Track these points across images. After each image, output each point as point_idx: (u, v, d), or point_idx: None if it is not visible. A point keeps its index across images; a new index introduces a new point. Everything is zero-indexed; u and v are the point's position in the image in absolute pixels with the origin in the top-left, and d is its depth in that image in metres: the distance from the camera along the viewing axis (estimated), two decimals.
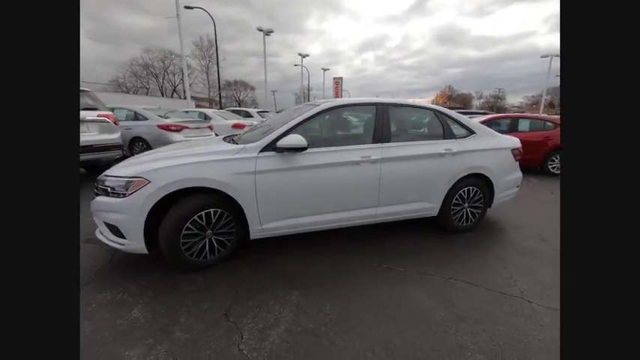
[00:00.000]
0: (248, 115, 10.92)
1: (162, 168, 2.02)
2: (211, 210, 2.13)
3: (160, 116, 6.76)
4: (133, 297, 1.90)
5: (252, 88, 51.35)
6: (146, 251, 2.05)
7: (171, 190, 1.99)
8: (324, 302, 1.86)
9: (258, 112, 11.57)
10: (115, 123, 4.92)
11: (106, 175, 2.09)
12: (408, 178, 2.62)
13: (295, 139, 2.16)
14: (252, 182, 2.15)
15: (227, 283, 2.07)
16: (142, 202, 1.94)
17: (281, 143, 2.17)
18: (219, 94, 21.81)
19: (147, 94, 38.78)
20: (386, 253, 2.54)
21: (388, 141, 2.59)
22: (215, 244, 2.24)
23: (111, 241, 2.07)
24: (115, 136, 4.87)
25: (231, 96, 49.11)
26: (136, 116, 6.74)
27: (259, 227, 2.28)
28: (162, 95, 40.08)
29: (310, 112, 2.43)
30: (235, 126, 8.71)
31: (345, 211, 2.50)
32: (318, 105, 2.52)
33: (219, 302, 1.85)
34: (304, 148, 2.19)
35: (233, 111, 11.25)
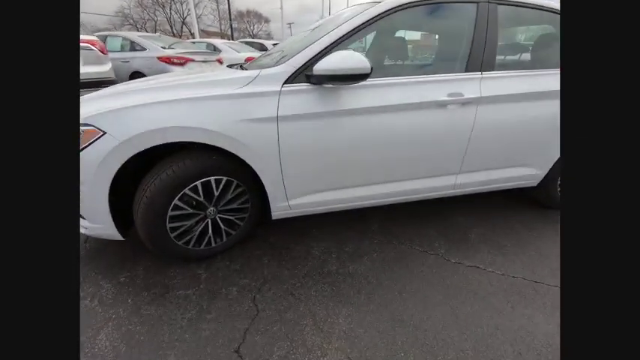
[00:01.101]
0: (263, 48, 9.47)
1: (124, 110, 1.20)
2: (211, 178, 1.36)
3: (163, 47, 5.69)
4: (105, 307, 1.28)
5: (267, 21, 46.57)
6: (120, 237, 1.38)
7: (142, 148, 1.20)
8: (392, 335, 1.17)
9: (274, 44, 10.01)
10: (102, 52, 3.99)
11: None
12: (514, 131, 1.67)
13: (349, 59, 1.22)
14: (273, 135, 1.31)
15: (241, 284, 1.41)
16: (97, 166, 1.18)
17: (322, 67, 1.24)
18: (231, 25, 19.48)
19: (155, 28, 36.05)
20: (457, 242, 1.76)
21: (492, 68, 1.58)
22: (222, 225, 1.52)
23: None
24: (104, 69, 4.00)
25: (244, 29, 44.95)
26: (133, 46, 5.70)
27: (284, 204, 1.51)
28: (172, 28, 37.12)
29: (366, 15, 1.42)
30: (249, 60, 7.46)
31: (412, 179, 1.66)
32: (379, 2, 1.48)
33: (229, 324, 1.20)
34: (364, 75, 1.26)
35: (246, 43, 9.78)
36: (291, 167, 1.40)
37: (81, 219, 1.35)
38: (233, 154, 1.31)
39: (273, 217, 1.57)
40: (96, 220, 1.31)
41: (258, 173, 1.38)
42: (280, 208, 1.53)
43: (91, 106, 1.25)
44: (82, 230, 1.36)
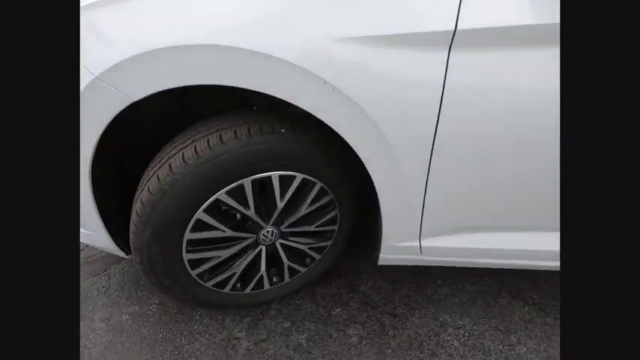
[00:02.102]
0: None
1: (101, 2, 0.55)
2: (273, 175, 0.65)
3: None
4: None
5: None
6: (121, 253, 0.81)
7: (140, 96, 0.55)
8: None
9: None
10: None
11: None
12: None
13: None
14: (428, 82, 0.51)
15: None
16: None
17: None
18: None
19: None
20: None
21: None
22: (284, 258, 0.83)
23: None
24: None
25: None
26: None
27: (411, 243, 0.72)
28: None
29: None
30: None
31: None
32: None
33: None
34: None
35: None
36: (452, 171, 0.59)
37: None
38: (324, 126, 0.57)
39: (381, 262, 0.80)
40: (82, 220, 0.75)
41: (372, 175, 0.61)
42: (400, 249, 0.74)
43: None
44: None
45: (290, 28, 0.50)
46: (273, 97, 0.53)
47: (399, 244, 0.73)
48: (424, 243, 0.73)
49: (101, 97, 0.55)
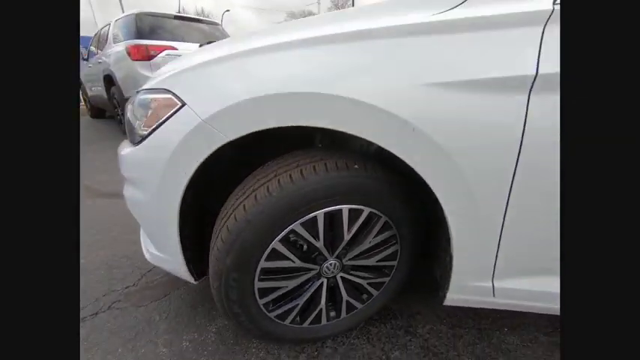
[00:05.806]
0: None
1: (208, 65, 0.66)
2: (344, 208, 0.68)
3: None
4: None
5: None
6: (190, 279, 0.85)
7: (237, 135, 0.63)
8: None
9: None
10: None
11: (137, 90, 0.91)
12: None
13: None
14: (508, 122, 0.54)
15: None
16: (168, 157, 0.67)
17: None
18: None
19: None
20: None
21: None
22: (343, 293, 0.83)
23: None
24: None
25: None
26: None
27: (483, 283, 0.69)
28: None
29: None
30: None
31: None
32: None
33: None
34: None
35: None
36: (530, 210, 0.58)
37: (147, 239, 0.90)
38: (394, 165, 0.61)
39: (447, 302, 0.76)
40: (163, 246, 0.82)
41: (445, 211, 0.62)
42: (470, 289, 0.71)
43: (165, 66, 0.79)
44: (146, 255, 0.91)
45: (377, 76, 0.56)
46: (335, 135, 0.60)
47: (470, 284, 0.70)
48: (497, 284, 0.69)
49: (204, 137, 0.64)
